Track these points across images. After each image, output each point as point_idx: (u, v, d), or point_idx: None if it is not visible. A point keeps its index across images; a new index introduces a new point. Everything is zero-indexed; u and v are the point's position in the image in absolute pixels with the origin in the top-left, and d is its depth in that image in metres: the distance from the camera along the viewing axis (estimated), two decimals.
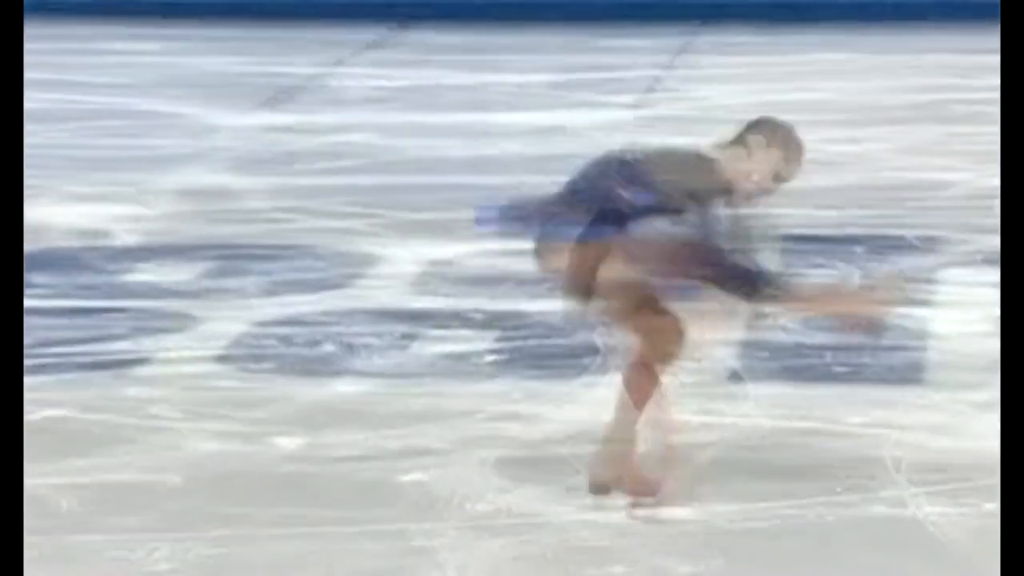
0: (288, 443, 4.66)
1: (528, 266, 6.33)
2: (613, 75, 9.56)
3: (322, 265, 6.23)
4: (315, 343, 5.43)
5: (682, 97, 8.96)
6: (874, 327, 4.07)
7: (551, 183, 4.13)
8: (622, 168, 3.98)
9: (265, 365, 5.26)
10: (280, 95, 9.19)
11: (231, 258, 6.33)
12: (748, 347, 5.14)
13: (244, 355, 5.35)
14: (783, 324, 5.03)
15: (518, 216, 4.11)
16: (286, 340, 5.46)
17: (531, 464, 4.47)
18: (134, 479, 4.45)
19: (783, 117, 4.18)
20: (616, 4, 11.10)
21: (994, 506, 4.20)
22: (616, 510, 4.18)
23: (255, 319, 5.66)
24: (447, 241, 6.45)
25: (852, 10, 10.87)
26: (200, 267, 6.21)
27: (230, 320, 5.65)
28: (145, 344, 5.43)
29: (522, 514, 4.22)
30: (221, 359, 5.32)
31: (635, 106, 8.76)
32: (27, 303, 5.19)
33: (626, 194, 3.91)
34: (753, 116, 4.13)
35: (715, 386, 4.89)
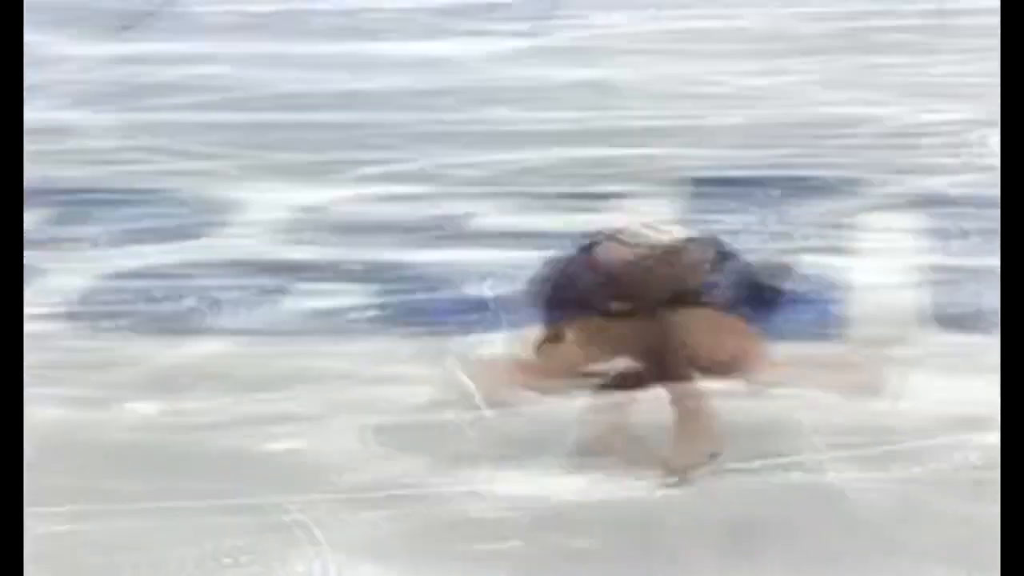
0: (144, 408, 4.67)
1: (410, 212, 6.35)
2: None
3: (180, 211, 6.22)
4: (173, 298, 5.43)
5: (583, 24, 9.01)
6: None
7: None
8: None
9: (118, 322, 5.26)
10: (130, 21, 9.13)
11: (77, 203, 6.30)
12: None
13: (94, 312, 5.34)
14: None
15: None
16: (141, 295, 5.46)
17: (414, 431, 4.51)
18: None
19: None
20: None
21: (920, 470, 4.31)
22: (504, 480, 4.23)
23: (106, 271, 5.65)
24: (320, 185, 6.47)
25: None
26: (43, 213, 6.19)
27: (77, 273, 5.64)
28: None
29: (404, 485, 4.26)
30: (68, 316, 5.31)
31: (531, 34, 8.79)
32: None
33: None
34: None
35: None
